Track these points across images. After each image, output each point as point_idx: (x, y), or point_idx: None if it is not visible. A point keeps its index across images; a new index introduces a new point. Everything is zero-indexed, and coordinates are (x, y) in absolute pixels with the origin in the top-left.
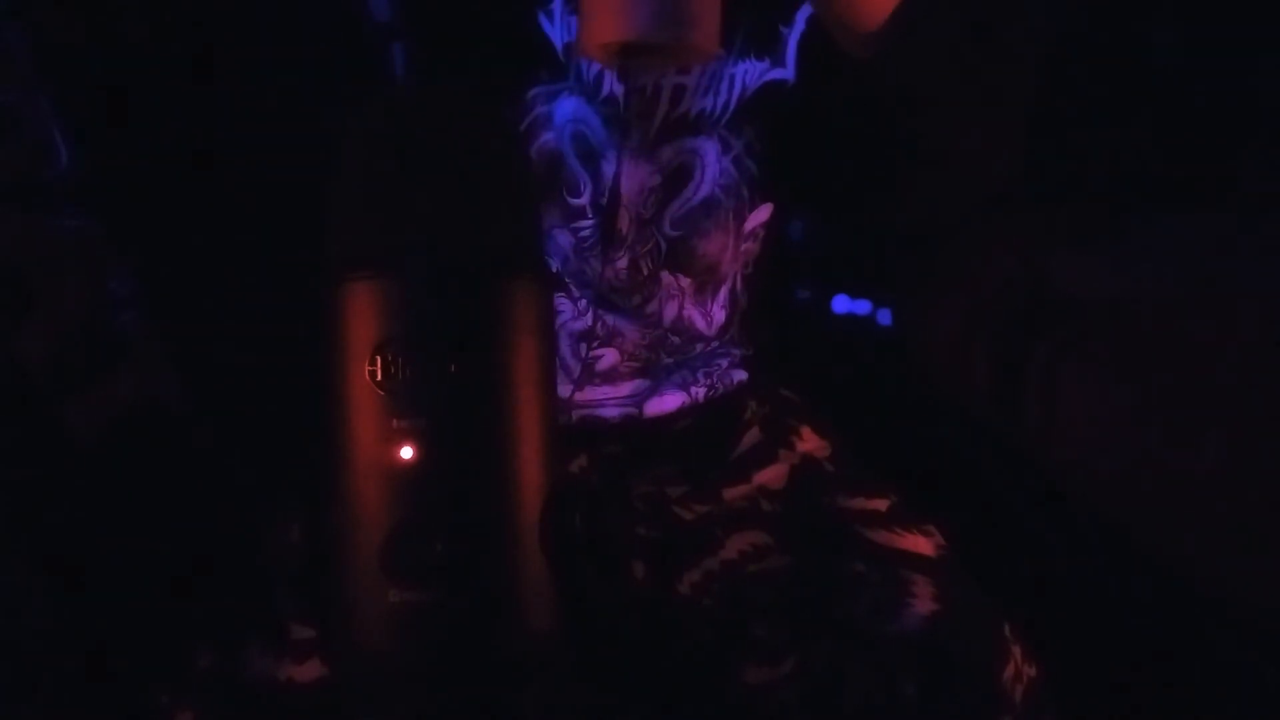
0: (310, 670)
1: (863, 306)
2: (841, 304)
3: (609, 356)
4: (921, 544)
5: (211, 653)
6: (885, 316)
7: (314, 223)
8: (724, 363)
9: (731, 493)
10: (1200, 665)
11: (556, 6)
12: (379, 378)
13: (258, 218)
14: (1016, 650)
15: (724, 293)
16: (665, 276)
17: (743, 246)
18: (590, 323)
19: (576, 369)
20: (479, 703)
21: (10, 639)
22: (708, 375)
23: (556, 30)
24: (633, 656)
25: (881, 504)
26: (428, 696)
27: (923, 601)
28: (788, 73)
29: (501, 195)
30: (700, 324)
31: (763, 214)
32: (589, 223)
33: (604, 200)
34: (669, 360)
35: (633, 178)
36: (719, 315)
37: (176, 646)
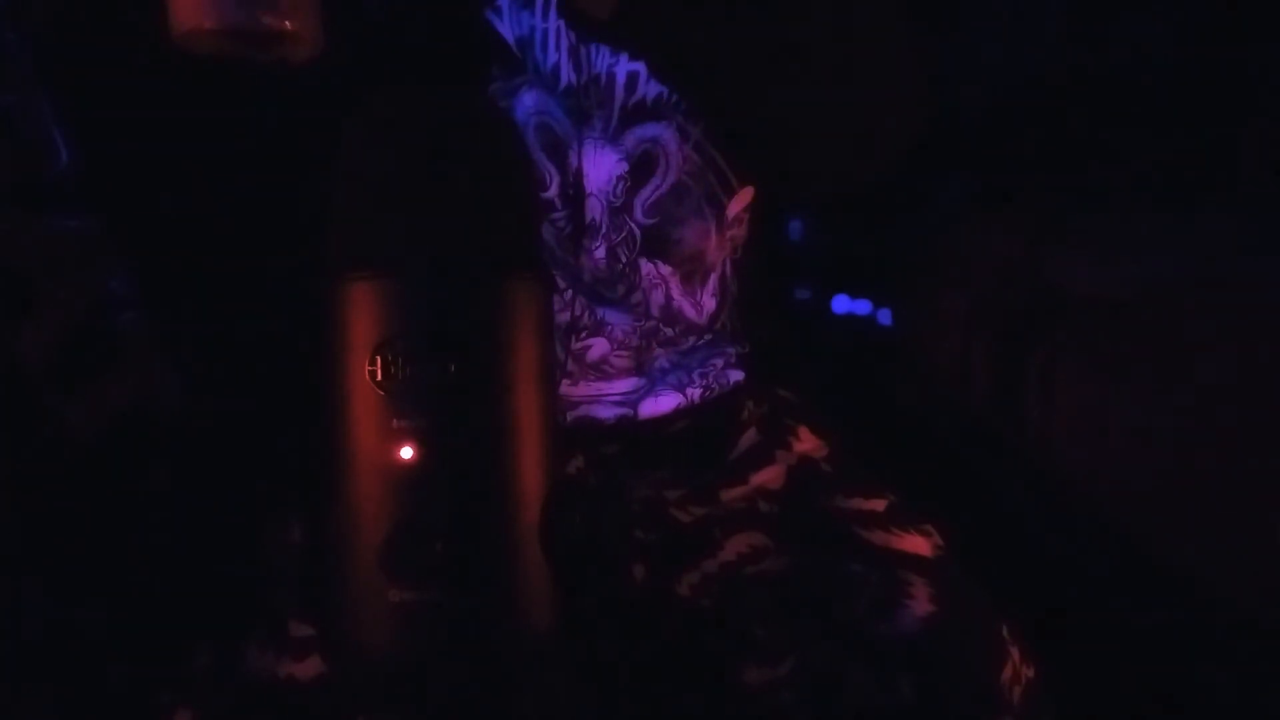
0: (310, 668)
1: (863, 306)
2: (841, 304)
3: (598, 346)
4: (919, 544)
5: (211, 651)
6: (885, 316)
7: (314, 222)
8: (720, 362)
9: (729, 494)
10: (1200, 665)
11: (504, 2)
12: (379, 378)
13: (257, 217)
14: (1015, 651)
15: (713, 280)
16: (644, 265)
17: (728, 233)
18: (576, 313)
19: (565, 361)
20: (479, 703)
21: (10, 639)
22: (703, 376)
23: (506, 25)
24: (633, 657)
25: (879, 504)
26: (428, 696)
27: (920, 602)
28: None
29: (500, 194)
30: (690, 313)
31: (744, 198)
32: (561, 214)
33: (572, 191)
34: (662, 356)
35: (599, 167)
36: (709, 304)
37: (176, 646)
